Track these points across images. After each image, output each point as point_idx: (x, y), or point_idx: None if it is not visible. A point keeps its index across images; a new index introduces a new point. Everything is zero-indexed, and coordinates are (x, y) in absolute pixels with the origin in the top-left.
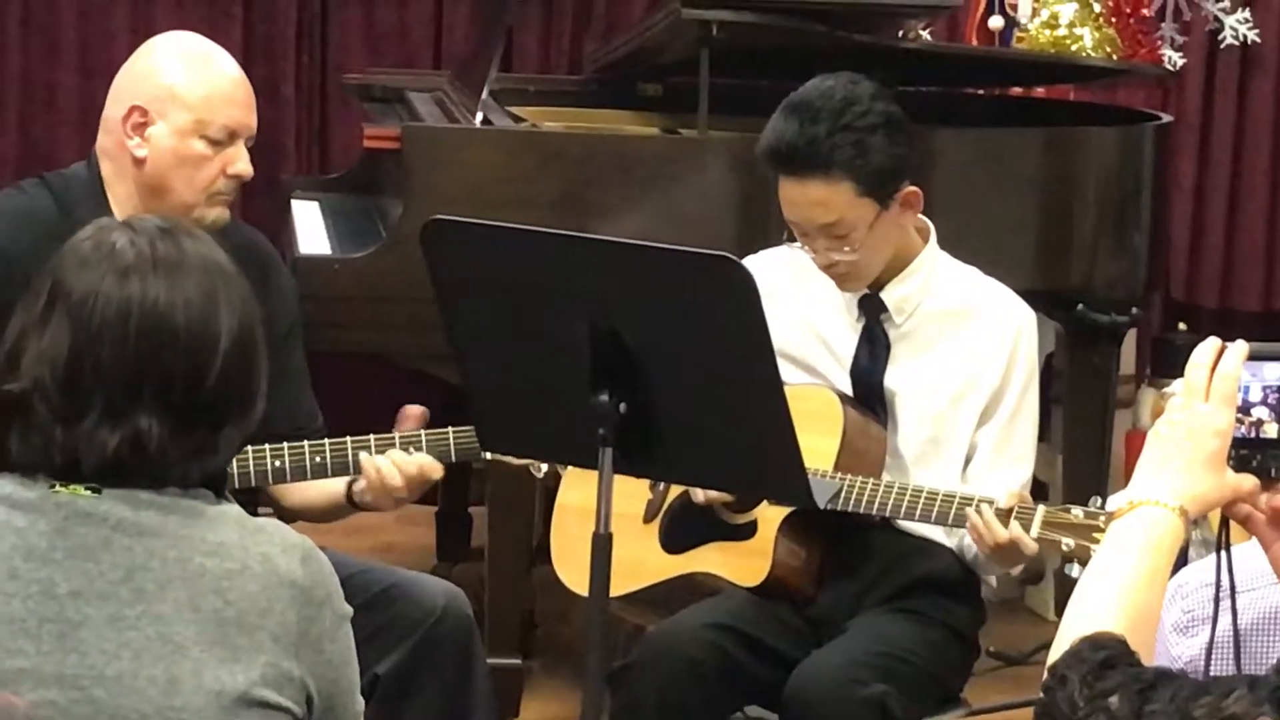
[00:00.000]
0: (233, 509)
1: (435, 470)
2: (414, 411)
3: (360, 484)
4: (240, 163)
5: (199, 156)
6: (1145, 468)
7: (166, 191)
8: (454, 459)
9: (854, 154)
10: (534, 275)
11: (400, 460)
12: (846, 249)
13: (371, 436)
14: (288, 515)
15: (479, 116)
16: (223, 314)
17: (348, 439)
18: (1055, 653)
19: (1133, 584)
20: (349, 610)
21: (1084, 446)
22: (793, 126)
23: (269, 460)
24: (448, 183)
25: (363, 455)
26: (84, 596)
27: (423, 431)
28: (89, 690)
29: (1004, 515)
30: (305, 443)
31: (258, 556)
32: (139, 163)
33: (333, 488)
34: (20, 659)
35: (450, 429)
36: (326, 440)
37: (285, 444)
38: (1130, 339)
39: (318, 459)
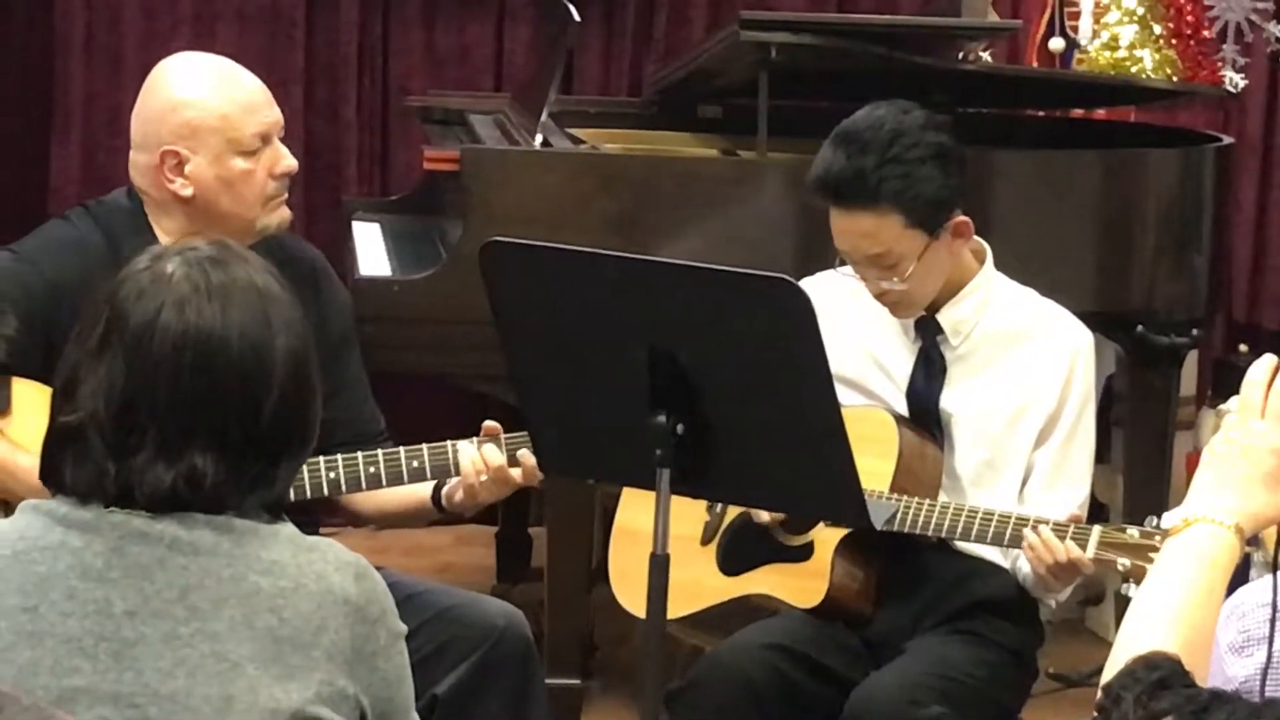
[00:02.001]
0: (286, 527)
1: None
2: (491, 428)
3: (449, 484)
4: (284, 160)
5: (243, 173)
6: (1201, 485)
7: (223, 216)
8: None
9: (902, 186)
10: (592, 297)
11: (490, 453)
12: (896, 279)
13: (460, 443)
14: (360, 522)
15: (538, 138)
16: (277, 344)
17: (448, 442)
18: (1109, 671)
19: (1188, 602)
20: (403, 628)
21: (1145, 468)
22: (840, 158)
23: (361, 467)
24: (507, 204)
25: (462, 447)
26: (140, 615)
27: (475, 439)
28: (145, 708)
29: (1060, 535)
30: (401, 449)
31: (312, 574)
32: (188, 200)
33: (413, 491)
34: (77, 677)
35: (502, 435)
36: (425, 445)
37: (380, 451)
38: (1191, 360)
39: (414, 463)
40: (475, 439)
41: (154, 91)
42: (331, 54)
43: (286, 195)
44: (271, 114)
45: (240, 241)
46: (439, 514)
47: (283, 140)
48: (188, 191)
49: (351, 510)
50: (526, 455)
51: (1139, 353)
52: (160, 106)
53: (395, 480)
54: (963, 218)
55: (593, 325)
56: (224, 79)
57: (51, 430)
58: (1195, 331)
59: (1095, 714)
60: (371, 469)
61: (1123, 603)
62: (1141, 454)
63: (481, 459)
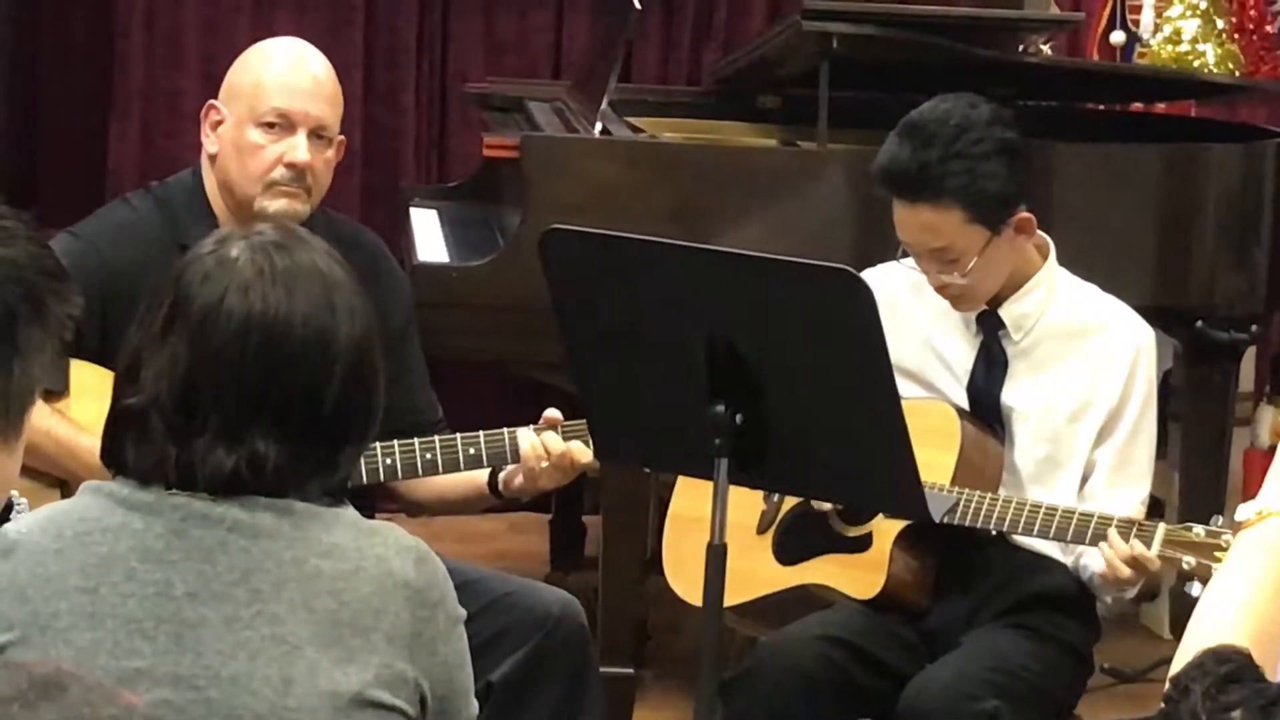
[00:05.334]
0: (348, 511)
1: (584, 455)
2: (551, 418)
3: (506, 470)
4: (296, 151)
5: (253, 145)
6: (1275, 478)
7: (232, 185)
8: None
9: (965, 182)
10: (651, 285)
11: (550, 440)
12: (956, 273)
13: (518, 430)
14: (415, 509)
15: (598, 127)
16: (341, 330)
17: (504, 429)
18: (1178, 663)
19: (1259, 596)
20: (463, 613)
21: (1202, 464)
22: (905, 151)
23: (418, 454)
24: (566, 192)
25: (520, 433)
26: (200, 597)
27: (530, 426)
28: (205, 690)
29: (1124, 534)
30: (458, 436)
31: (372, 558)
32: (212, 159)
33: (471, 478)
34: (137, 659)
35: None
36: (481, 432)
37: (437, 439)
38: (1249, 356)
39: (471, 450)
40: (533, 426)
41: (240, 57)
42: (391, 40)
43: (297, 191)
44: (304, 103)
45: (245, 221)
46: (496, 500)
47: (330, 136)
48: (213, 149)
49: (409, 498)
50: (582, 450)
51: (1197, 348)
52: (232, 68)
53: (452, 467)
54: (1026, 214)
55: (652, 314)
56: (285, 58)
57: (114, 412)
58: (1254, 327)
59: (1163, 705)
60: (428, 455)
61: (1178, 599)
62: (1199, 450)
63: (542, 445)
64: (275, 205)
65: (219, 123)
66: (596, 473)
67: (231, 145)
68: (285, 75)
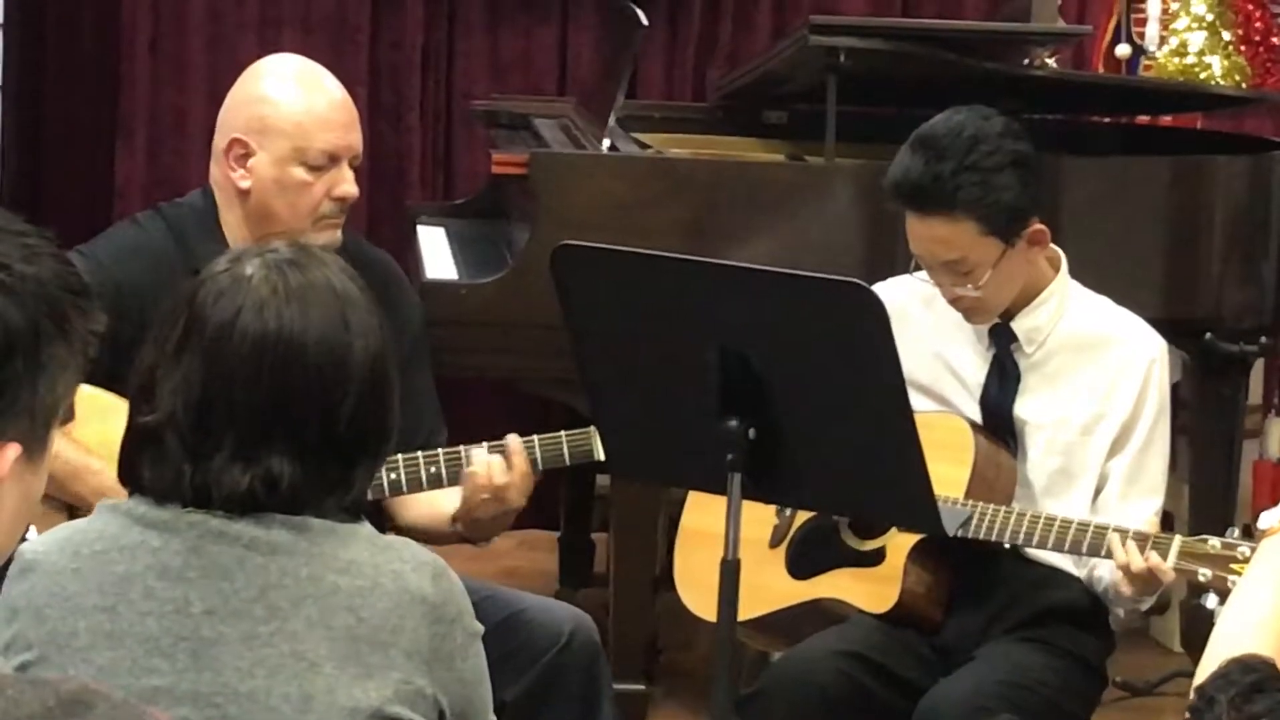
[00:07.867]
0: (364, 527)
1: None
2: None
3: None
4: (344, 185)
5: (300, 183)
6: None
7: (273, 220)
8: (569, 462)
9: (979, 194)
10: (663, 300)
11: (494, 460)
12: (970, 285)
13: (485, 444)
14: (400, 534)
15: (605, 143)
16: (355, 347)
17: (461, 447)
18: (1203, 673)
19: None
20: (480, 628)
21: (1211, 477)
22: (918, 163)
23: (384, 474)
24: (575, 209)
25: (474, 453)
26: (218, 614)
27: (536, 436)
28: (224, 708)
29: (1140, 545)
30: (419, 453)
31: (389, 574)
32: (244, 193)
33: (437, 508)
34: (155, 677)
35: (563, 432)
36: (441, 451)
37: (400, 455)
38: (1258, 368)
39: (432, 469)
40: (487, 445)
41: (245, 80)
42: (396, 58)
43: (342, 219)
44: (346, 137)
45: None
46: (456, 532)
47: (359, 159)
48: (245, 184)
49: (393, 523)
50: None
51: (1206, 361)
52: (245, 95)
53: (455, 480)
54: (1039, 226)
55: (664, 329)
56: (312, 89)
57: (130, 431)
58: (1263, 339)
59: (1188, 715)
60: (432, 469)
61: (1189, 612)
62: (1208, 462)
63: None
64: (323, 238)
65: (245, 156)
66: (606, 490)
67: (274, 184)
68: (324, 112)
